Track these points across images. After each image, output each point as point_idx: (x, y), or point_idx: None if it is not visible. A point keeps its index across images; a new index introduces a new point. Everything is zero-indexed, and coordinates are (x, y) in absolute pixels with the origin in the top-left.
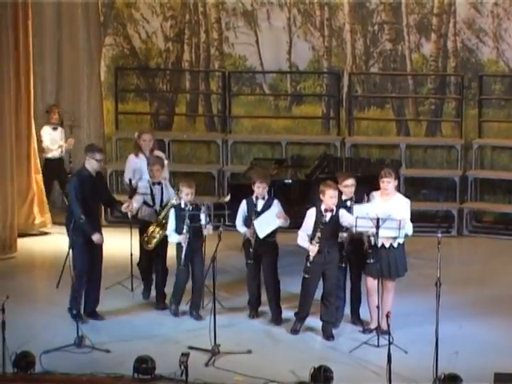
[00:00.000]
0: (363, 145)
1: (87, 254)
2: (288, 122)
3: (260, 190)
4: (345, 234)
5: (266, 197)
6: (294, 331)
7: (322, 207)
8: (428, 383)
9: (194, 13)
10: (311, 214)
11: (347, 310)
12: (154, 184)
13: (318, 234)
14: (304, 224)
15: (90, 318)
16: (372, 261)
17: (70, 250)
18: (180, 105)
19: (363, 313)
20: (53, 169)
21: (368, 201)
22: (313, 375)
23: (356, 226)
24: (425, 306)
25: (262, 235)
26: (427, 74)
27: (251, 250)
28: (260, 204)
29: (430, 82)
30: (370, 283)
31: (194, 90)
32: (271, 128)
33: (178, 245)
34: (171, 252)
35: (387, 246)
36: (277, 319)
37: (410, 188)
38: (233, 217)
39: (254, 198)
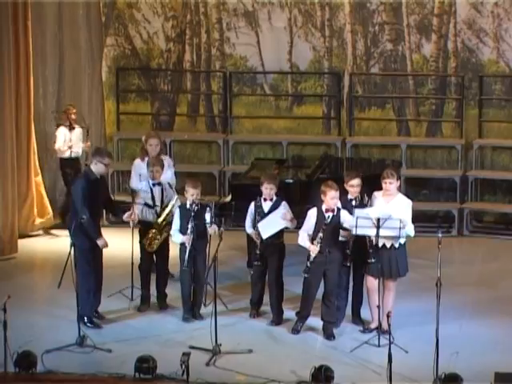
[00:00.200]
0: (364, 145)
1: (90, 257)
2: (289, 123)
3: (268, 190)
4: (345, 233)
5: (274, 198)
6: (295, 331)
7: (323, 207)
8: (428, 383)
9: (195, 13)
10: (312, 215)
11: (348, 310)
12: (154, 185)
13: (320, 235)
14: (305, 224)
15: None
16: (373, 260)
17: (72, 252)
18: (181, 105)
19: (364, 312)
20: (69, 169)
21: (369, 201)
22: (314, 375)
23: (357, 227)
24: (425, 306)
25: (265, 236)
26: (428, 75)
27: (257, 252)
28: (267, 205)
29: (430, 83)
30: (371, 283)
31: (195, 91)
32: (272, 128)
33: (182, 245)
34: (174, 252)
35: (388, 246)
36: (278, 320)
37: (411, 188)
38: (234, 217)
39: (262, 199)
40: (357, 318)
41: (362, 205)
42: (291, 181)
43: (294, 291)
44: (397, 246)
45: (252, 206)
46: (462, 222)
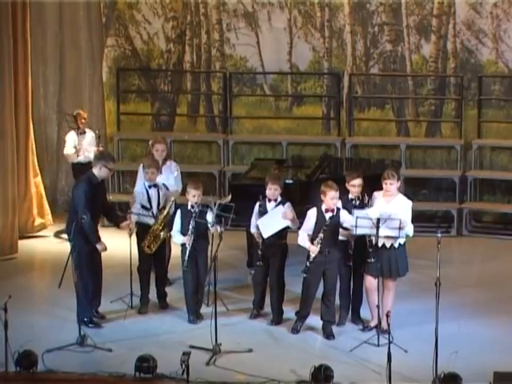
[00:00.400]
0: (363, 145)
1: (89, 260)
2: (288, 123)
3: (272, 191)
4: (345, 232)
5: (279, 199)
6: (295, 330)
7: (323, 207)
8: (428, 382)
9: (196, 14)
10: (312, 215)
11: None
12: (150, 187)
13: (321, 235)
14: (305, 224)
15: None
16: (372, 260)
17: (71, 255)
18: (181, 105)
19: (363, 312)
20: (82, 174)
21: (369, 201)
22: (313, 374)
23: (356, 227)
24: (424, 306)
25: (266, 235)
26: (427, 75)
27: (259, 252)
28: (271, 206)
29: (429, 83)
30: (369, 282)
31: (195, 91)
32: (272, 128)
33: (183, 246)
34: (176, 252)
35: (388, 245)
36: (278, 320)
37: (410, 188)
38: (233, 219)
39: (266, 200)
40: (356, 318)
41: (362, 205)
42: (291, 181)
43: (294, 291)
44: (396, 245)
45: (256, 207)
46: (461, 221)
